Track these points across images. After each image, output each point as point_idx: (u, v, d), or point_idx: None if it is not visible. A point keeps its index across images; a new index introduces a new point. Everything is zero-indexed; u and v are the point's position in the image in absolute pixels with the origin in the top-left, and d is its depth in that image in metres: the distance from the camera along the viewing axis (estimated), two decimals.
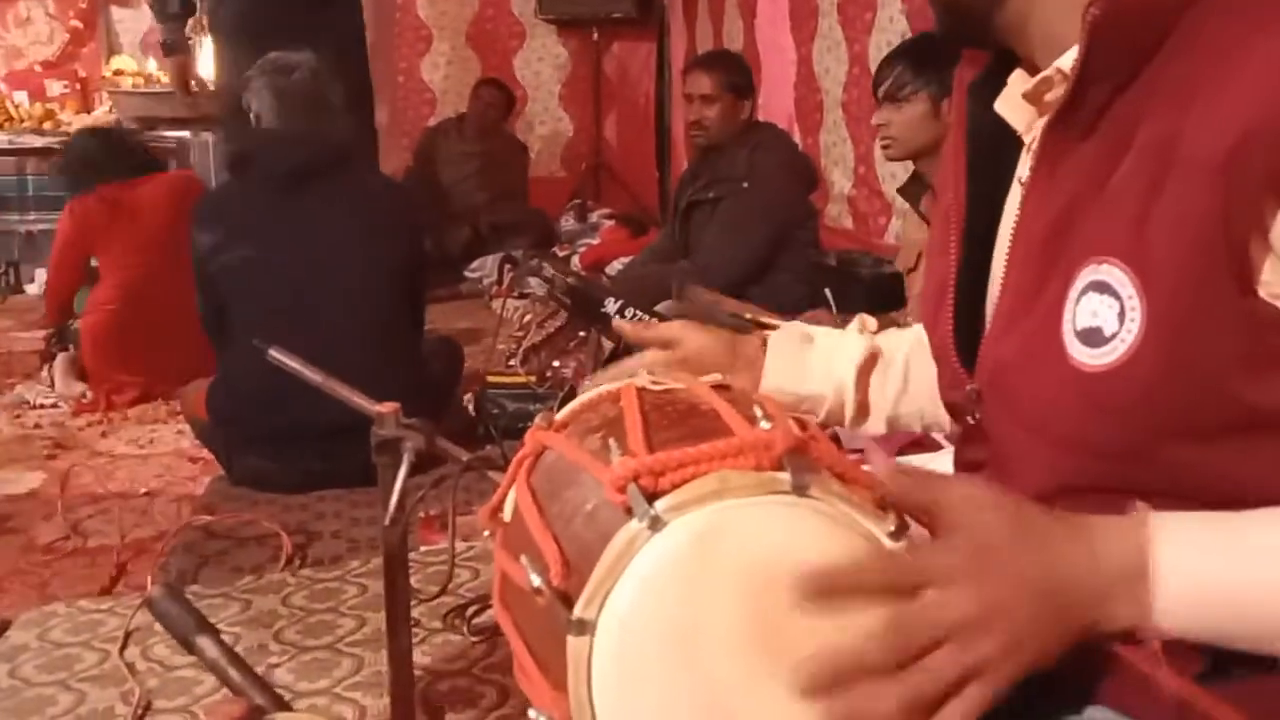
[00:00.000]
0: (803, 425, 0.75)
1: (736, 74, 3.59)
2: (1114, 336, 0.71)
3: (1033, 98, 0.81)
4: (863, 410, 1.15)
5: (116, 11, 6.30)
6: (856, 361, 1.14)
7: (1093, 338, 0.73)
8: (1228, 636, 0.68)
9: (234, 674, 0.77)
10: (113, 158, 3.67)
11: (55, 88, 5.91)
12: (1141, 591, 0.66)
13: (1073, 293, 0.74)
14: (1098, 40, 0.72)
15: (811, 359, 1.16)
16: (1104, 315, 0.72)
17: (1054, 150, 0.79)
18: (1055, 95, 0.78)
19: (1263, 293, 0.68)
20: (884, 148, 2.58)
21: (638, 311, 2.63)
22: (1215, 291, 0.68)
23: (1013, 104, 0.87)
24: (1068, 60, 0.77)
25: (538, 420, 0.89)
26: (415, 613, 1.72)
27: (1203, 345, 0.69)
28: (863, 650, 0.64)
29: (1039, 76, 0.80)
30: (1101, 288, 0.72)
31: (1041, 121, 0.82)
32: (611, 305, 2.71)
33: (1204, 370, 0.69)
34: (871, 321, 1.20)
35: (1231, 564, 0.67)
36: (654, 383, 0.85)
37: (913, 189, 2.53)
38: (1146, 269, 0.70)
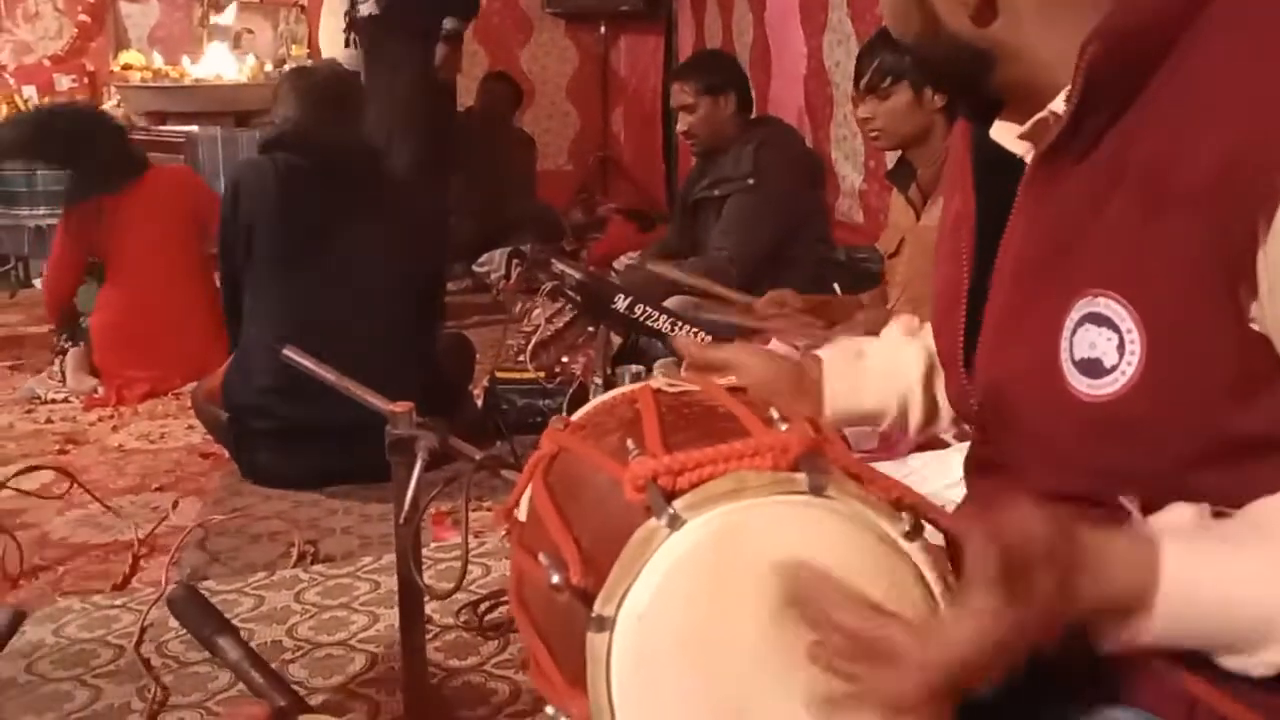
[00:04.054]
0: (817, 428, 0.76)
1: (709, 74, 3.59)
2: (1114, 368, 0.72)
3: (1030, 138, 0.82)
4: (930, 416, 1.14)
5: (125, 6, 6.31)
6: (920, 370, 1.12)
7: (1092, 369, 0.74)
8: (1191, 645, 0.69)
9: (255, 675, 0.78)
10: (114, 167, 3.65)
11: (64, 82, 5.91)
12: (1134, 621, 0.67)
13: (1068, 323, 0.75)
14: (1094, 75, 0.72)
15: (868, 374, 1.15)
16: (1103, 347, 0.73)
17: (1045, 177, 0.79)
18: (1053, 133, 0.78)
19: (1250, 318, 0.69)
20: (873, 139, 2.59)
21: (647, 308, 2.64)
22: (1212, 321, 0.69)
23: (1008, 133, 0.87)
24: (1060, 101, 0.77)
25: (553, 422, 0.89)
26: (428, 609, 1.73)
27: (1199, 374, 0.70)
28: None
29: (1034, 119, 0.80)
30: (1100, 320, 0.73)
31: (1019, 134, 0.83)
32: (621, 302, 2.72)
33: (1199, 398, 0.70)
34: (914, 321, 1.19)
35: (1224, 597, 0.67)
36: (670, 385, 0.86)
37: (901, 174, 2.54)
38: (1145, 300, 0.71)
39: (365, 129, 2.94)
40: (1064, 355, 0.75)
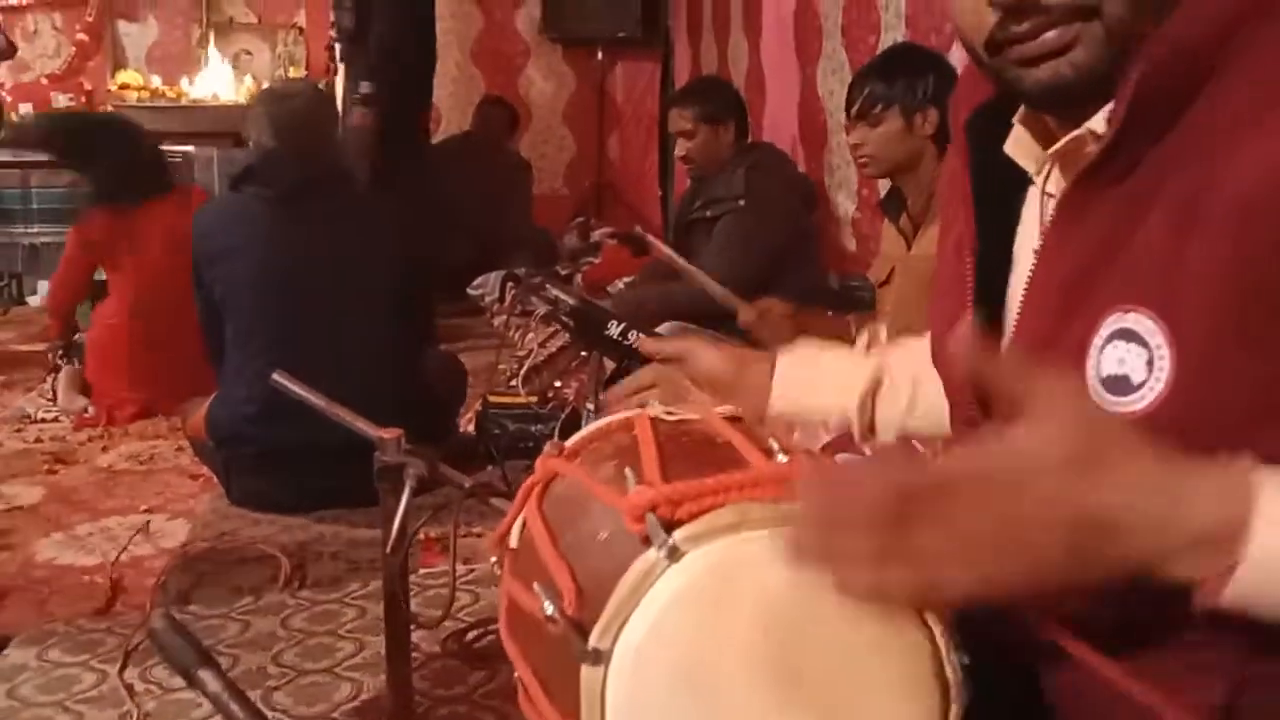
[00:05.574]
0: (817, 459, 0.74)
1: (709, 103, 3.60)
2: (1142, 385, 0.71)
3: (1064, 157, 0.81)
4: (870, 430, 1.16)
5: (123, 25, 6.32)
6: (860, 390, 1.15)
7: (1119, 386, 0.72)
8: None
9: (236, 709, 0.76)
10: (137, 178, 3.65)
11: (61, 100, 5.91)
12: (1222, 554, 0.60)
13: (1096, 340, 0.74)
14: (1141, 97, 0.71)
15: (819, 380, 1.17)
16: (1131, 363, 0.71)
17: (1079, 201, 0.78)
18: (1090, 151, 0.77)
19: None
20: (862, 166, 2.60)
21: (640, 334, 2.63)
22: (1242, 340, 0.67)
23: (1022, 146, 0.86)
24: (1099, 121, 0.76)
25: (547, 448, 0.88)
26: (414, 637, 1.71)
27: (1228, 393, 0.68)
28: (855, 495, 0.62)
29: (1069, 137, 0.79)
30: (1129, 335, 0.72)
31: (1052, 151, 0.82)
32: (614, 328, 2.71)
33: (1227, 417, 0.68)
34: (882, 333, 1.20)
35: None
36: (668, 413, 0.85)
37: (892, 204, 2.55)
38: (1176, 317, 0.69)
39: (337, 151, 2.93)
40: (1090, 373, 0.74)
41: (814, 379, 1.16)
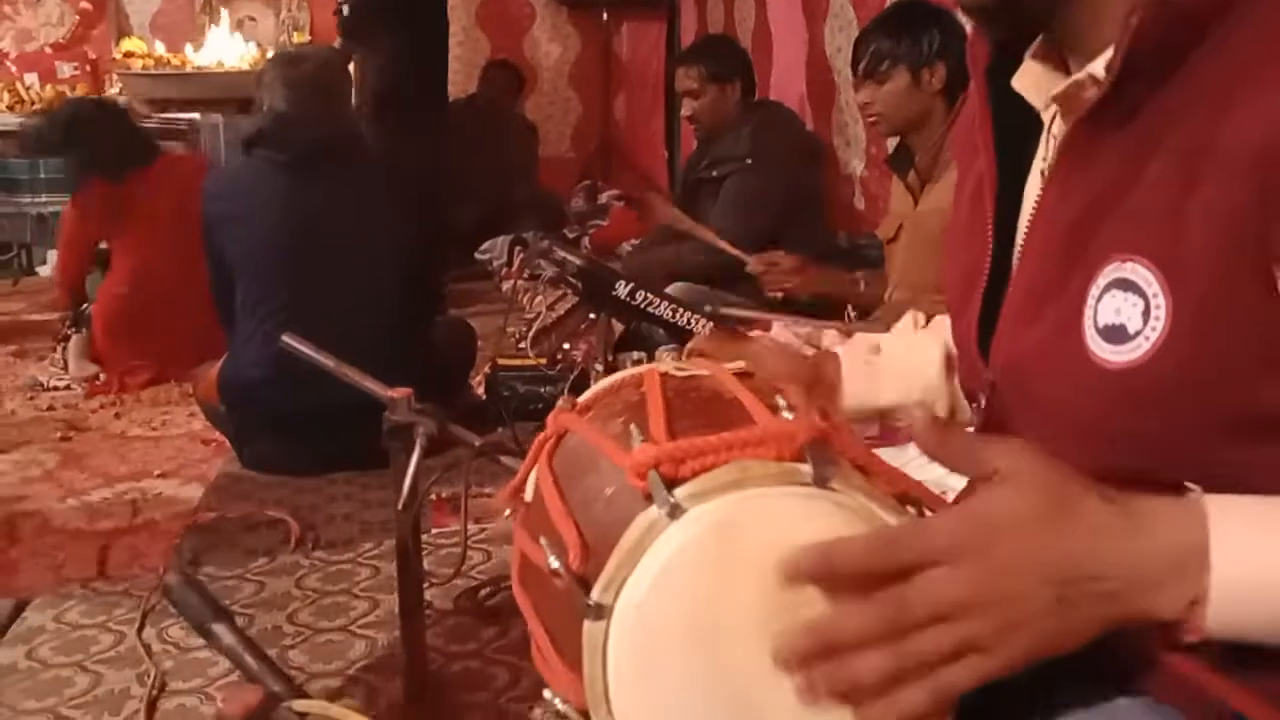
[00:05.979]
0: (825, 416, 0.75)
1: (715, 62, 3.59)
2: (1138, 334, 0.70)
3: (1065, 100, 0.80)
4: (953, 410, 1.13)
5: None
6: (937, 366, 1.11)
7: (1116, 335, 0.72)
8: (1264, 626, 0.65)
9: (250, 661, 0.77)
10: (118, 153, 3.66)
11: (65, 69, 5.91)
12: (1193, 580, 0.64)
13: (1094, 290, 0.74)
14: (1140, 44, 0.71)
15: (884, 371, 1.14)
16: (1128, 313, 0.71)
17: (1081, 146, 0.78)
18: (1090, 95, 0.77)
19: None
20: (873, 124, 2.60)
21: (648, 295, 2.63)
22: (1242, 290, 0.67)
23: (1030, 81, 0.86)
24: (1100, 65, 0.76)
25: (560, 403, 0.89)
26: (427, 595, 1.72)
27: (1226, 343, 0.68)
28: (850, 623, 0.64)
29: (1070, 80, 0.79)
30: (1126, 285, 0.72)
31: (1055, 93, 0.82)
32: (622, 288, 2.71)
33: (1225, 368, 0.68)
34: (920, 316, 1.19)
35: None
36: (678, 369, 0.85)
37: (900, 160, 2.54)
38: (1174, 267, 0.69)
39: (349, 115, 2.93)
40: (1087, 323, 0.74)
41: (880, 374, 1.14)
